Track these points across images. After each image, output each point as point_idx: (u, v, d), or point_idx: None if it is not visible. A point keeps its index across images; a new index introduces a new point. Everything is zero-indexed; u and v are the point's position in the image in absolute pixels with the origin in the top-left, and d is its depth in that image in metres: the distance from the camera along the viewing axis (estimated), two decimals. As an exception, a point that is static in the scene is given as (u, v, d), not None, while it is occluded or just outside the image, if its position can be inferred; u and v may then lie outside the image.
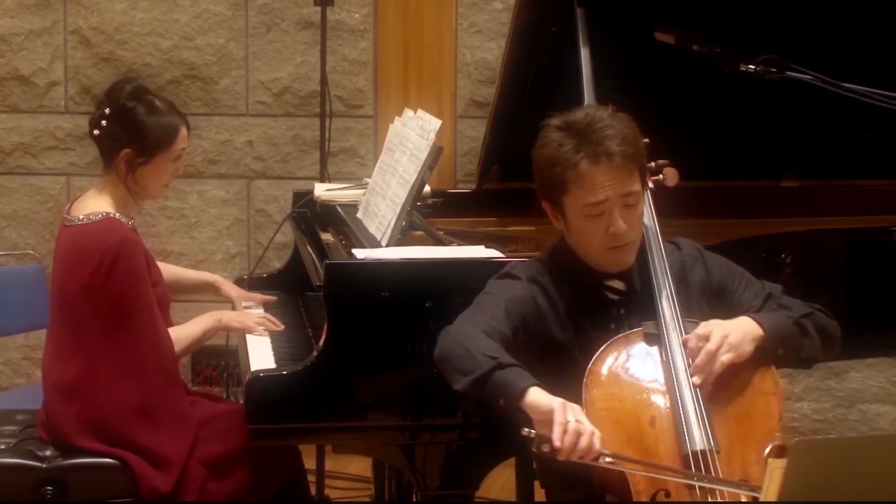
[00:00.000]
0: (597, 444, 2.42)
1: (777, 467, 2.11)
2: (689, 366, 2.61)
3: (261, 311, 3.59)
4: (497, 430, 2.97)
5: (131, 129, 3.18)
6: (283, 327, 3.43)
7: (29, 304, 4.25)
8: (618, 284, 2.78)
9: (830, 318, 2.80)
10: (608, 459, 2.45)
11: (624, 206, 2.67)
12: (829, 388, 5.03)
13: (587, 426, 2.43)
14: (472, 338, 2.60)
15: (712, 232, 3.44)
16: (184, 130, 3.24)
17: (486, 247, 3.19)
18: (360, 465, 4.56)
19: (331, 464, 4.43)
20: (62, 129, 4.96)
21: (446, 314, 2.72)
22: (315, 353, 2.99)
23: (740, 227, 3.64)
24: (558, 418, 2.41)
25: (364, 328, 2.98)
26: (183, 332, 3.30)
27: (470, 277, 2.86)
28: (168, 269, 3.65)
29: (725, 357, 2.61)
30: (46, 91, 4.98)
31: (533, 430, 2.42)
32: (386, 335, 2.98)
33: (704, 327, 2.65)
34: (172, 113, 3.24)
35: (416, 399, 2.99)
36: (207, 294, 3.81)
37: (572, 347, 2.72)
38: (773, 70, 3.01)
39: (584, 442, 2.41)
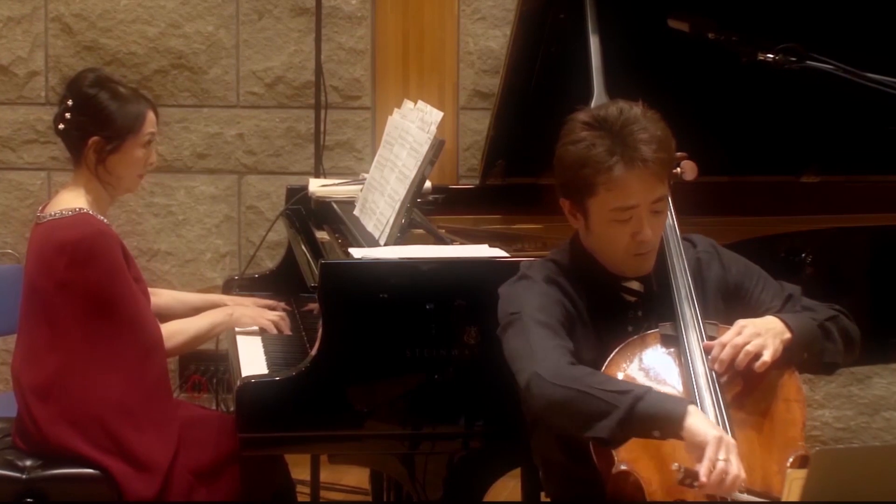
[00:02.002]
0: (737, 488, 2.42)
1: (796, 478, 2.12)
2: (709, 370, 2.62)
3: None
4: (502, 439, 2.97)
5: (97, 116, 3.23)
6: (290, 333, 3.44)
7: (7, 306, 4.23)
8: (635, 286, 2.78)
9: (852, 322, 2.81)
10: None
11: (652, 213, 2.68)
12: (852, 394, 5.03)
13: (734, 467, 2.41)
14: (574, 377, 2.55)
15: (729, 229, 3.44)
16: (151, 114, 3.29)
17: (490, 245, 3.19)
18: (357, 476, 4.57)
19: (326, 474, 4.44)
20: (43, 122, 4.95)
21: (448, 316, 2.72)
22: (309, 358, 2.99)
23: (758, 225, 3.64)
24: (710, 454, 2.40)
25: (361, 331, 2.98)
26: (188, 325, 3.34)
27: (473, 278, 2.86)
28: (174, 295, 3.70)
29: (762, 360, 2.60)
30: (26, 81, 4.98)
31: (682, 465, 2.41)
32: (384, 339, 2.98)
33: (735, 327, 2.65)
34: (138, 97, 3.30)
35: (416, 406, 2.99)
36: None
37: (591, 349, 2.72)
38: (793, 59, 3.02)
39: (727, 484, 2.40)
